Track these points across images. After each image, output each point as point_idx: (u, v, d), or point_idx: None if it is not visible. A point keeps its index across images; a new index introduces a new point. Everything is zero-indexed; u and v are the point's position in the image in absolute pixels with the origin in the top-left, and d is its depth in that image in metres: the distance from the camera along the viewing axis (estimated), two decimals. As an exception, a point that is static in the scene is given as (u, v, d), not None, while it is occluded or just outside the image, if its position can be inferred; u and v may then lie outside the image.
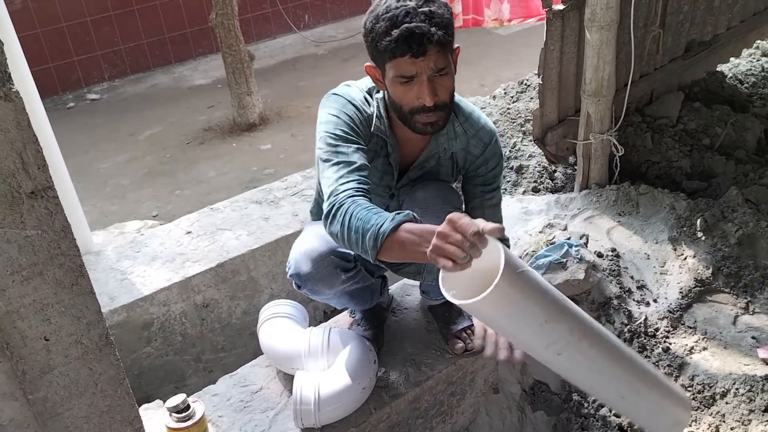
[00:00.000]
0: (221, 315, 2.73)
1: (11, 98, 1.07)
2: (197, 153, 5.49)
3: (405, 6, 1.57)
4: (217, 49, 5.92)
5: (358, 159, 1.62)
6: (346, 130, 1.67)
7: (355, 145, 1.65)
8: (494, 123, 3.06)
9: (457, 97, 1.81)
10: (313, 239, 1.85)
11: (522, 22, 5.48)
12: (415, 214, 1.48)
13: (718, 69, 3.57)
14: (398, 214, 1.45)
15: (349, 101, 1.72)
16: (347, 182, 1.57)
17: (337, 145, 1.64)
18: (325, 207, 1.57)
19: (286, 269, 1.91)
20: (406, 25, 1.55)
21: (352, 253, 1.81)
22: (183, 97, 6.58)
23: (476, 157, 1.85)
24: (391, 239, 1.42)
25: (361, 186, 1.57)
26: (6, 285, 1.16)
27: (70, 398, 1.31)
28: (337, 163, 1.61)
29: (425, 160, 1.86)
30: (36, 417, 1.28)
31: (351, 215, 1.50)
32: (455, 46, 1.68)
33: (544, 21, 2.65)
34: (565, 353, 1.46)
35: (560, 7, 2.64)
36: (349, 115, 1.70)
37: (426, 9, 1.56)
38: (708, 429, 2.03)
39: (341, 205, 1.53)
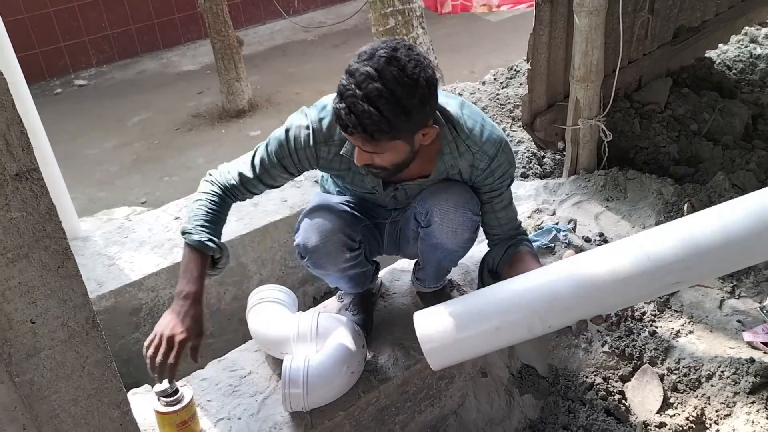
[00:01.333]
0: (210, 301, 2.72)
1: (-6, 79, 1.06)
2: (186, 139, 5.48)
3: (347, 86, 1.53)
4: (206, 34, 5.88)
5: (255, 175, 1.84)
6: (272, 158, 1.82)
7: (271, 167, 1.83)
8: (483, 109, 3.06)
9: (458, 112, 1.78)
10: (325, 213, 1.86)
11: (512, 8, 5.48)
12: (210, 248, 1.75)
13: (706, 55, 3.58)
14: (200, 236, 1.74)
15: (290, 142, 1.79)
16: (231, 179, 1.85)
17: (253, 159, 1.85)
18: (214, 172, 1.88)
19: (294, 237, 1.90)
20: (337, 103, 1.55)
21: (359, 235, 1.90)
22: (171, 83, 6.54)
23: (482, 171, 1.82)
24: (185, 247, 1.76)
25: (230, 191, 1.85)
26: (-9, 267, 1.15)
27: (56, 381, 1.31)
28: (246, 164, 1.85)
29: (435, 177, 1.87)
30: (23, 400, 1.28)
31: (202, 198, 1.82)
32: (424, 128, 1.63)
33: (533, 6, 2.65)
34: (551, 323, 1.54)
35: (550, -8, 2.64)
36: (284, 148, 1.80)
37: (360, 105, 1.50)
38: (693, 411, 2.05)
39: (211, 185, 1.85)
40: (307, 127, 1.78)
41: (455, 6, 5.12)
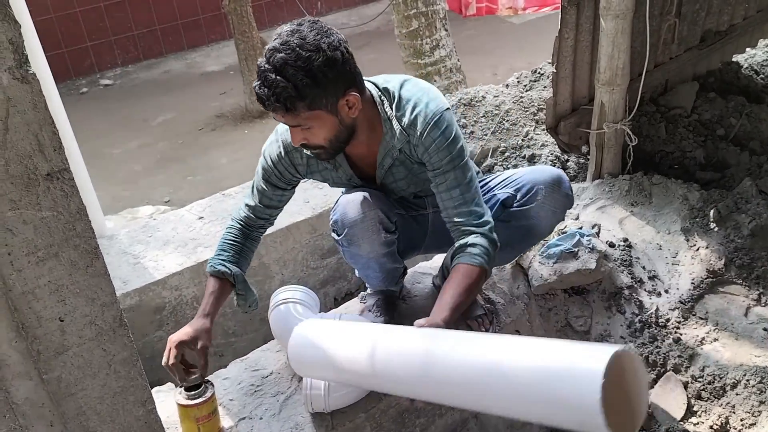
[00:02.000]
0: (232, 300, 2.73)
1: (28, 80, 1.08)
2: (209, 139, 5.52)
3: (260, 63, 1.63)
4: (230, 35, 5.92)
5: (256, 202, 1.98)
6: (261, 181, 1.96)
7: (263, 188, 1.96)
8: (506, 111, 3.04)
9: (395, 88, 1.81)
10: (362, 192, 1.88)
11: (537, 11, 5.45)
12: (227, 272, 1.92)
13: (733, 59, 3.54)
14: (212, 263, 1.94)
15: (267, 160, 1.93)
16: (242, 211, 2.00)
17: (253, 188, 1.99)
18: (233, 211, 2.05)
19: (330, 217, 1.95)
20: (254, 83, 1.64)
21: (395, 218, 1.94)
22: (195, 83, 6.60)
23: (416, 147, 1.81)
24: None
25: (244, 222, 2.00)
26: (22, 265, 1.17)
27: (83, 378, 1.32)
28: (248, 194, 2.01)
29: (382, 161, 1.89)
30: (50, 396, 1.29)
31: (224, 234, 2.01)
32: (343, 96, 1.67)
33: (559, 9, 2.63)
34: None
35: (576, -5, 2.62)
36: (266, 166, 1.93)
37: (269, 76, 1.59)
38: (718, 419, 2.03)
39: (231, 221, 2.02)
40: (277, 140, 1.90)
41: (480, 9, 5.10)
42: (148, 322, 2.56)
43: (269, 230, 2.73)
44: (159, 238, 2.74)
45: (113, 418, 1.40)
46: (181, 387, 1.84)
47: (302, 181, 2.01)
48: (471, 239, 1.81)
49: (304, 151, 1.86)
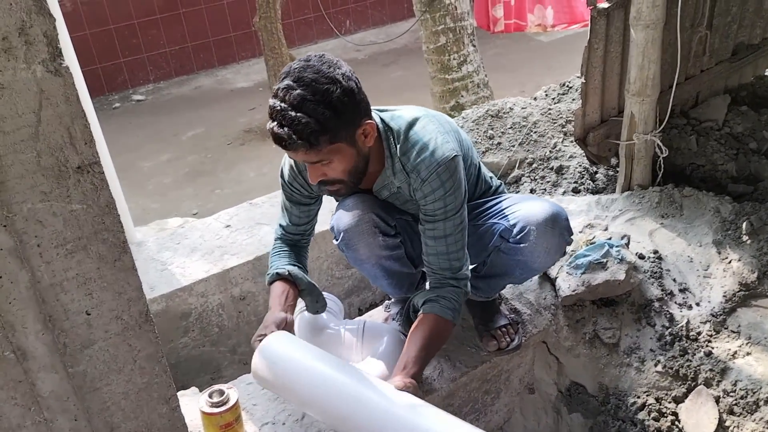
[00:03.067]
0: (257, 308, 2.75)
1: (61, 73, 1.10)
2: (237, 154, 5.58)
3: (273, 104, 1.61)
4: (260, 53, 6.01)
5: (287, 217, 2.03)
6: (285, 197, 2.01)
7: (289, 207, 2.01)
8: (534, 123, 3.03)
9: (403, 127, 1.79)
10: (357, 198, 1.89)
11: (566, 29, 5.42)
12: (291, 271, 1.95)
13: (766, 73, 3.49)
14: (277, 270, 1.95)
15: (284, 180, 1.97)
16: (278, 231, 2.07)
17: (282, 204, 2.04)
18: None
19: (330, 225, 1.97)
20: (269, 125, 1.62)
21: (394, 221, 1.92)
22: (225, 99, 6.69)
23: (417, 191, 1.80)
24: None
25: (283, 239, 2.06)
26: (51, 258, 1.18)
27: (108, 373, 1.33)
28: (279, 214, 2.07)
29: (380, 189, 1.89)
30: (75, 390, 1.30)
31: (271, 252, 2.06)
32: (360, 126, 1.67)
33: (587, 27, 2.62)
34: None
35: (605, 5, 2.60)
36: (285, 186, 1.98)
37: (289, 115, 1.56)
38: (751, 435, 1.97)
39: (274, 241, 2.09)
40: (289, 159, 1.91)
41: (509, 25, 5.08)
42: (174, 328, 2.57)
43: (295, 239, 2.77)
44: (186, 246, 2.76)
45: (137, 415, 1.40)
46: (204, 393, 1.85)
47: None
48: (446, 291, 1.86)
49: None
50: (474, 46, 4.70)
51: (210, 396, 1.85)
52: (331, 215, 1.98)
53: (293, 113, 1.56)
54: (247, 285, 2.68)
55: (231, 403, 1.85)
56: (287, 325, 1.83)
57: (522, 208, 1.93)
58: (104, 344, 1.30)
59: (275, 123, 1.60)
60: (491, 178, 2.14)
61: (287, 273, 1.94)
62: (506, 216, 1.94)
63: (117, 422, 1.38)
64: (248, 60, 7.44)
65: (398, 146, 1.78)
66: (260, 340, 1.79)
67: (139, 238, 3.00)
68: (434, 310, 1.84)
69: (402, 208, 1.97)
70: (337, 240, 1.93)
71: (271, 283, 1.95)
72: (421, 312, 1.87)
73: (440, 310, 1.84)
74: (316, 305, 2.00)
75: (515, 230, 1.89)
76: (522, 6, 5.15)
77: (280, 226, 2.05)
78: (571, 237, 1.97)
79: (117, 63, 6.77)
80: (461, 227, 1.83)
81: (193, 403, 1.95)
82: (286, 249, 2.04)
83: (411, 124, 1.80)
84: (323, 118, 1.57)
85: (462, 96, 4.62)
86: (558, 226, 1.90)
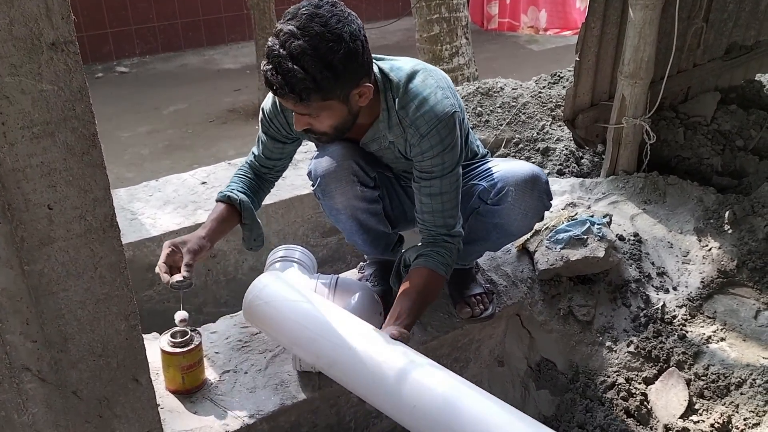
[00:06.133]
0: (227, 268, 2.67)
1: (41, -66, 1.03)
2: (219, 131, 5.50)
3: (273, 46, 1.52)
4: (251, 36, 5.95)
5: (260, 152, 1.97)
6: (262, 130, 1.93)
7: (264, 140, 1.94)
8: (524, 105, 3.01)
9: (402, 79, 1.71)
10: (339, 145, 1.83)
11: (558, 34, 5.43)
12: (243, 201, 1.89)
13: (756, 78, 3.50)
14: (224, 192, 1.90)
15: (265, 115, 1.89)
16: (250, 156, 2.01)
17: (258, 138, 1.97)
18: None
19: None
20: (264, 65, 1.55)
21: (374, 173, 1.86)
22: (211, 78, 6.61)
23: (413, 146, 1.74)
24: None
25: (251, 165, 2.00)
26: (15, 139, 1.11)
27: (67, 277, 1.25)
28: (255, 144, 2.00)
29: (369, 142, 1.83)
30: (30, 291, 1.22)
31: (235, 172, 2.01)
32: (357, 87, 1.60)
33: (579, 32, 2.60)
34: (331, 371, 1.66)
35: (605, -17, 2.59)
36: (264, 120, 1.90)
37: (285, 65, 1.49)
38: (720, 418, 1.94)
39: (244, 163, 2.02)
40: (274, 97, 1.81)
41: (502, 23, 5.08)
42: (140, 279, 2.48)
43: (271, 200, 2.70)
44: (159, 198, 2.68)
45: (93, 328, 1.32)
46: (166, 333, 1.79)
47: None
48: (439, 248, 1.81)
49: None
50: (467, 38, 4.69)
51: (173, 336, 1.80)
52: (310, 161, 1.92)
53: (290, 64, 1.48)
54: (218, 243, 2.59)
55: (194, 344, 1.79)
56: (195, 256, 1.76)
57: (502, 168, 1.89)
58: (64, 244, 1.22)
59: (270, 67, 1.52)
60: (478, 145, 2.10)
61: (238, 202, 1.88)
62: (486, 177, 1.91)
63: (71, 332, 1.30)
64: (237, 42, 7.37)
65: (396, 100, 1.71)
66: (165, 264, 1.74)
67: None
68: (428, 264, 1.79)
69: (387, 163, 1.92)
70: (313, 186, 1.87)
71: (219, 200, 1.90)
72: (413, 266, 1.82)
73: (434, 265, 1.78)
74: (253, 243, 1.96)
75: (494, 191, 1.85)
76: (516, 6, 5.16)
77: (253, 154, 2.00)
78: (550, 202, 1.94)
79: (104, 33, 6.66)
80: (456, 185, 1.78)
81: (154, 346, 1.87)
82: (250, 176, 1.98)
83: (410, 77, 1.73)
84: (320, 77, 1.50)
85: (450, 88, 4.60)
86: (537, 189, 1.86)
